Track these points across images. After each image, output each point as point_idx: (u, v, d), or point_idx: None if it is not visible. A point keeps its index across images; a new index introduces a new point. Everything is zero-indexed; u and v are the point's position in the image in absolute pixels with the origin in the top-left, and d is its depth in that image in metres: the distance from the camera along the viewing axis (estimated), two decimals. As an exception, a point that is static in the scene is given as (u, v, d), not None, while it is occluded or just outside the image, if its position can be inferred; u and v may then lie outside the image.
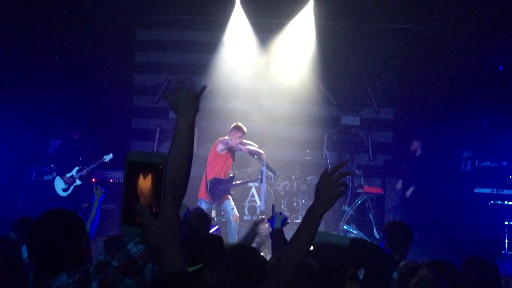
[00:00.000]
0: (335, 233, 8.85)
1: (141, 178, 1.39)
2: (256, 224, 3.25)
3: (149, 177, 1.40)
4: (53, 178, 8.12)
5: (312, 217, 2.00)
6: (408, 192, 8.88)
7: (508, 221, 7.91)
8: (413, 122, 10.05)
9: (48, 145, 9.22)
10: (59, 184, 8.04)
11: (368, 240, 8.40)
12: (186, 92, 1.89)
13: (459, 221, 8.57)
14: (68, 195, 7.97)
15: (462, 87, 9.65)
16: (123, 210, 1.41)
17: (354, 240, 3.15)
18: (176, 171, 1.77)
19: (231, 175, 7.41)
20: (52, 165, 8.38)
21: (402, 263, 3.89)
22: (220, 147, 7.15)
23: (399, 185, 9.01)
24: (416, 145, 9.19)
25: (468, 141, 9.23)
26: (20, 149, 8.98)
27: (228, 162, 7.34)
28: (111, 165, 8.39)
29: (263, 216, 6.72)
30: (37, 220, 2.00)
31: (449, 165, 9.39)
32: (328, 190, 1.98)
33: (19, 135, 8.95)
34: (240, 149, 7.30)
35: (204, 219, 3.77)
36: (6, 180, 8.76)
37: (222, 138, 7.28)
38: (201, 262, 2.05)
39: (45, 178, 8.58)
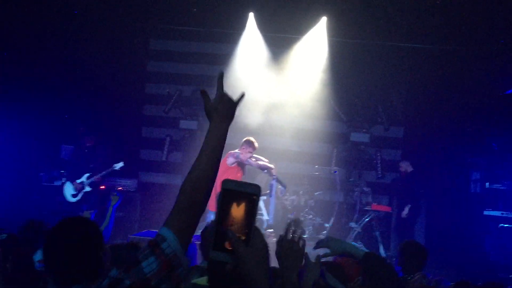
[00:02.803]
0: (352, 242, 8.84)
1: (234, 206, 1.44)
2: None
3: (242, 206, 1.44)
4: (63, 184, 8.15)
5: (287, 285, 1.91)
6: (404, 212, 8.87)
7: (517, 245, 7.87)
8: (422, 141, 10.06)
9: (60, 150, 9.26)
10: (68, 190, 8.07)
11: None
12: (229, 97, 1.80)
13: (468, 243, 8.53)
14: (77, 201, 7.99)
15: (473, 108, 9.65)
16: (214, 235, 1.45)
17: (368, 253, 3.15)
18: (201, 181, 1.72)
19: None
20: (62, 171, 8.41)
21: (417, 278, 3.89)
22: (230, 160, 7.16)
23: (405, 213, 8.94)
24: (404, 165, 9.22)
25: (478, 162, 9.21)
26: (32, 153, 9.03)
27: (238, 175, 7.35)
28: (120, 173, 8.42)
29: (271, 230, 6.70)
30: (57, 227, 1.96)
31: (458, 186, 9.36)
32: (289, 252, 1.94)
33: (31, 140, 9.01)
34: (250, 164, 7.31)
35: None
36: (17, 183, 8.80)
37: (232, 152, 7.30)
38: None
39: (55, 183, 8.62)
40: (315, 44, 10.14)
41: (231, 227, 1.44)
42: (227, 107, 1.78)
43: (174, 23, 10.38)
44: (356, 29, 9.69)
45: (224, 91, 1.79)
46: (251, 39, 10.26)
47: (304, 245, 1.98)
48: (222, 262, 1.46)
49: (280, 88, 10.09)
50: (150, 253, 1.63)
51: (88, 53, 9.84)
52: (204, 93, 1.80)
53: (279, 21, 9.83)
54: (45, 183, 8.77)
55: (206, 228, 3.72)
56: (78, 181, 8.05)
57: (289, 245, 1.94)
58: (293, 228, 1.99)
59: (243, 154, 7.24)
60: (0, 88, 8.72)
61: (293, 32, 10.13)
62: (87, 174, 8.06)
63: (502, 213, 8.17)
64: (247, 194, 1.45)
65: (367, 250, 3.03)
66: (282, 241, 1.96)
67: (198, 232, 3.82)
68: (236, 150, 7.28)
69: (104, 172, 8.04)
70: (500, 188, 8.43)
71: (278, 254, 1.94)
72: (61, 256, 1.87)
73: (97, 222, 4.61)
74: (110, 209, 4.49)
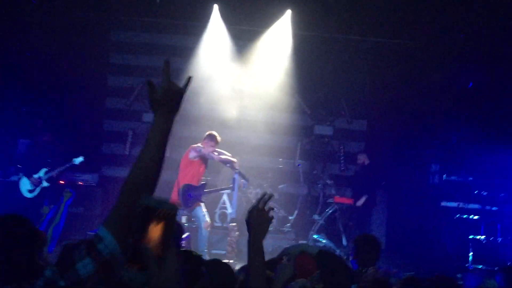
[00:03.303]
0: (305, 242, 8.92)
1: (153, 223, 1.43)
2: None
3: (161, 224, 1.43)
4: (19, 179, 7.92)
5: (255, 247, 2.09)
6: (360, 201, 9.01)
7: (473, 235, 8.10)
8: (384, 134, 10.24)
9: (17, 145, 8.98)
10: (25, 185, 7.83)
11: (336, 250, 8.56)
12: (176, 86, 1.72)
13: (426, 234, 8.74)
14: (34, 196, 7.77)
15: (433, 101, 9.86)
16: (130, 252, 1.42)
17: (321, 251, 3.29)
18: (144, 179, 1.65)
19: (203, 182, 7.37)
20: (19, 165, 8.16)
21: (370, 272, 3.96)
22: (192, 154, 7.12)
23: (360, 203, 9.08)
24: (361, 158, 9.37)
25: (437, 155, 9.43)
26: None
27: (201, 169, 7.32)
28: (81, 167, 8.24)
29: (234, 224, 6.70)
30: None
31: (418, 178, 9.57)
32: (259, 219, 2.12)
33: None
34: (212, 158, 7.28)
35: (178, 230, 3.66)
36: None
37: (194, 146, 7.25)
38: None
39: (12, 178, 8.35)
40: (279, 37, 10.15)
41: (148, 245, 1.41)
42: (173, 98, 1.70)
43: (137, 14, 10.18)
44: (320, 23, 9.75)
45: (170, 81, 1.71)
46: (215, 31, 10.18)
47: (272, 217, 2.17)
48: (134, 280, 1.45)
49: (244, 81, 10.09)
50: (86, 254, 1.56)
51: (48, 44, 9.56)
52: (150, 84, 1.73)
53: (244, 13, 9.78)
54: (1, 179, 8.50)
55: None
56: (35, 176, 7.82)
57: (259, 213, 2.11)
58: (265, 200, 2.17)
59: (206, 148, 7.21)
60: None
61: (258, 25, 10.11)
62: (44, 169, 7.85)
63: (458, 204, 8.39)
64: (166, 212, 1.43)
65: (320, 248, 3.16)
66: (253, 210, 2.13)
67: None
68: (199, 144, 7.24)
69: (63, 167, 7.84)
70: (457, 180, 8.66)
71: (248, 221, 2.13)
72: None
73: (53, 218, 4.51)
74: (62, 206, 4.38)
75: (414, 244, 8.95)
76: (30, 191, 7.80)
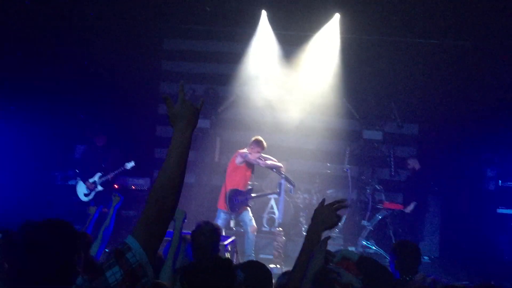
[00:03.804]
0: (363, 240, 8.82)
1: None
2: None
3: None
4: (77, 183, 8.33)
5: (311, 236, 2.20)
6: (409, 208, 8.76)
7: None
8: (437, 138, 9.92)
9: (74, 150, 9.45)
10: (81, 189, 8.25)
11: (387, 257, 8.37)
12: (190, 104, 1.83)
13: (481, 241, 8.40)
14: (90, 200, 8.17)
15: (488, 104, 9.48)
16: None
17: (362, 257, 3.20)
18: (168, 189, 1.73)
19: (250, 187, 7.45)
20: (76, 170, 8.59)
21: (417, 279, 3.87)
22: (239, 159, 7.22)
23: (409, 209, 8.83)
24: (411, 163, 9.08)
25: (493, 160, 9.04)
26: (47, 153, 9.24)
27: (247, 173, 7.40)
28: (133, 172, 8.55)
29: (280, 229, 6.73)
30: (25, 228, 1.88)
31: (473, 183, 9.21)
32: (326, 215, 2.23)
33: (47, 140, 9.22)
34: (258, 163, 7.34)
35: (214, 235, 3.62)
36: (33, 183, 9.02)
37: (241, 151, 7.34)
38: None
39: (70, 182, 8.81)
40: (328, 41, 10.09)
41: None
42: (189, 113, 1.80)
43: (187, 23, 10.47)
44: (369, 26, 9.60)
45: (184, 99, 1.82)
46: (263, 37, 10.28)
47: (339, 218, 2.27)
48: None
49: (292, 85, 10.10)
50: (114, 262, 1.64)
51: (103, 54, 10.01)
52: (167, 99, 1.83)
53: (292, 18, 9.81)
54: (60, 183, 8.98)
55: (197, 228, 3.74)
56: (91, 180, 8.22)
57: (329, 209, 2.27)
58: (341, 204, 2.32)
59: (252, 154, 7.28)
60: (17, 89, 8.94)
61: (306, 30, 10.10)
62: (99, 174, 8.23)
63: (516, 211, 8.03)
64: None
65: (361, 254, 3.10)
66: (325, 205, 2.30)
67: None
68: (244, 150, 7.33)
69: (115, 172, 8.18)
70: (514, 185, 8.27)
71: (316, 210, 2.31)
72: (24, 258, 1.75)
73: (100, 220, 4.70)
74: (111, 210, 4.53)
75: (469, 252, 8.63)
76: (86, 195, 8.20)
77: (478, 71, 9.56)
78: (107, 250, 4.42)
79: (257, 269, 2.94)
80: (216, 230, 3.68)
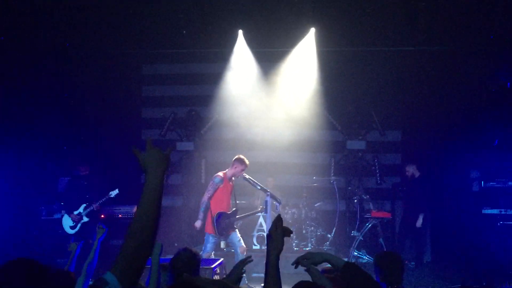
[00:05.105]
0: (355, 251, 8.81)
1: None
2: (243, 262, 3.23)
3: None
4: (62, 216, 8.26)
5: (270, 265, 2.30)
6: (419, 222, 8.79)
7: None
8: (421, 143, 10.01)
9: (58, 183, 9.39)
10: (67, 222, 8.17)
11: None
12: (157, 151, 1.95)
13: (470, 242, 8.45)
14: (76, 232, 8.08)
15: (469, 106, 9.60)
16: None
17: (347, 264, 3.14)
18: (143, 228, 1.81)
19: (234, 208, 7.43)
20: (61, 203, 8.52)
21: None
22: (213, 182, 7.21)
23: (419, 223, 8.83)
24: (410, 169, 9.13)
25: (476, 161, 9.12)
26: (31, 187, 9.17)
27: (227, 194, 7.35)
28: (119, 200, 8.50)
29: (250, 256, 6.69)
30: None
31: (458, 185, 9.28)
32: (274, 239, 2.36)
33: (29, 174, 9.15)
34: (232, 177, 7.31)
35: (193, 261, 3.63)
36: (17, 218, 8.93)
37: (216, 174, 7.32)
38: None
39: (55, 216, 8.73)
40: (305, 55, 10.21)
41: None
42: (158, 158, 1.93)
43: (165, 47, 10.54)
44: (344, 38, 9.74)
45: (152, 148, 1.95)
46: (241, 56, 10.37)
47: (283, 234, 2.40)
48: None
49: (273, 102, 10.17)
50: None
51: (83, 84, 10.04)
52: (136, 152, 1.98)
53: (268, 36, 9.92)
54: (45, 217, 8.90)
55: (176, 255, 3.73)
56: (76, 212, 8.15)
57: (273, 234, 2.39)
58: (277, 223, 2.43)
59: (236, 173, 7.27)
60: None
61: (283, 46, 10.21)
62: (83, 205, 8.16)
63: (500, 211, 8.07)
64: None
65: (346, 260, 3.07)
66: (270, 231, 2.41)
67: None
68: (219, 173, 7.28)
69: (100, 201, 8.12)
70: (497, 186, 8.34)
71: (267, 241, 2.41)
72: None
73: (84, 254, 4.65)
74: (95, 242, 4.44)
75: (460, 255, 8.67)
76: (72, 228, 8.12)
77: (456, 75, 9.69)
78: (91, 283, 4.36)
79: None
80: (194, 256, 3.68)
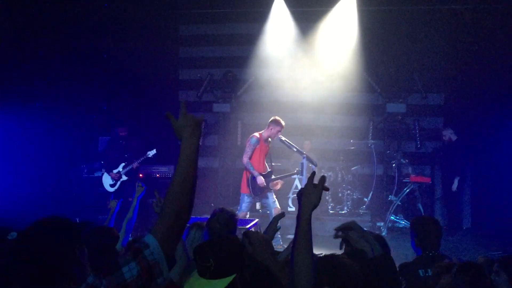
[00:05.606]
0: (392, 215, 8.69)
1: None
2: (277, 218, 3.17)
3: None
4: (102, 174, 8.49)
5: (303, 219, 2.14)
6: (454, 185, 8.58)
7: None
8: (465, 107, 9.61)
9: (98, 142, 9.61)
10: (107, 180, 8.40)
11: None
12: (191, 117, 1.93)
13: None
14: (116, 190, 8.31)
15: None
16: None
17: (386, 256, 2.82)
18: (181, 193, 1.80)
19: (269, 169, 7.41)
20: (102, 162, 8.75)
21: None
22: (249, 143, 7.17)
23: (455, 187, 8.64)
24: (447, 134, 8.84)
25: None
26: (73, 146, 9.43)
27: (263, 156, 7.32)
28: (157, 160, 8.63)
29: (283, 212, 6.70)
30: (24, 231, 1.88)
31: (501, 152, 8.92)
32: (314, 195, 2.19)
33: (71, 133, 9.39)
34: (269, 138, 7.26)
35: (230, 223, 3.58)
36: (60, 177, 9.24)
37: (252, 135, 7.28)
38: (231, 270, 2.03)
39: (96, 174, 8.99)
40: (344, 15, 9.87)
41: None
42: (192, 124, 1.91)
43: (202, 7, 10.42)
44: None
45: (185, 114, 1.93)
46: (279, 16, 10.14)
47: (323, 188, 2.22)
48: None
49: (311, 63, 9.95)
50: (132, 258, 1.66)
51: (120, 45, 10.07)
52: (169, 116, 1.95)
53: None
54: (86, 175, 9.17)
55: (212, 215, 3.73)
56: (115, 171, 8.36)
57: (310, 189, 2.21)
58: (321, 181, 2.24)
59: (272, 134, 7.22)
60: (39, 86, 9.10)
61: (322, 5, 9.90)
62: (123, 164, 8.36)
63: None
64: None
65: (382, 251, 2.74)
66: (306, 186, 2.24)
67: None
68: (255, 134, 7.24)
69: (138, 161, 8.29)
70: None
71: (299, 194, 2.23)
72: (26, 257, 1.78)
73: (123, 210, 4.75)
74: (135, 200, 4.53)
75: (501, 222, 8.42)
76: (112, 186, 8.36)
77: (504, 33, 9.16)
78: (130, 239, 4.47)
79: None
80: (231, 218, 3.64)
